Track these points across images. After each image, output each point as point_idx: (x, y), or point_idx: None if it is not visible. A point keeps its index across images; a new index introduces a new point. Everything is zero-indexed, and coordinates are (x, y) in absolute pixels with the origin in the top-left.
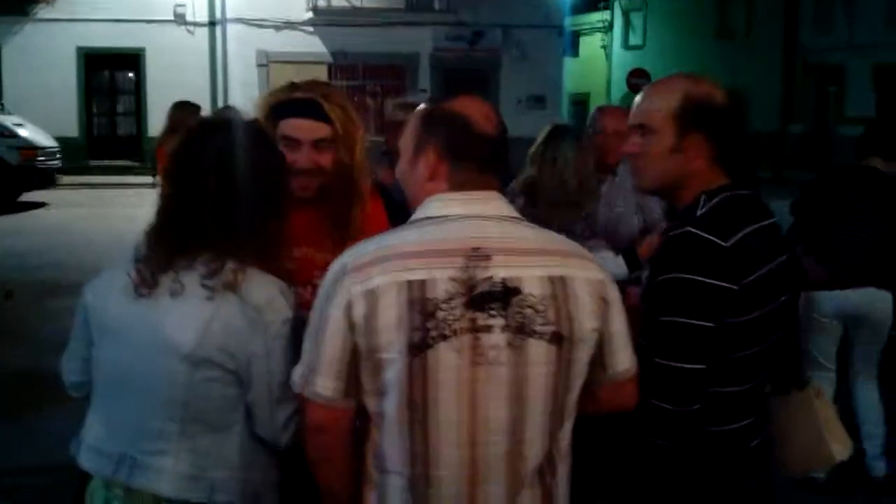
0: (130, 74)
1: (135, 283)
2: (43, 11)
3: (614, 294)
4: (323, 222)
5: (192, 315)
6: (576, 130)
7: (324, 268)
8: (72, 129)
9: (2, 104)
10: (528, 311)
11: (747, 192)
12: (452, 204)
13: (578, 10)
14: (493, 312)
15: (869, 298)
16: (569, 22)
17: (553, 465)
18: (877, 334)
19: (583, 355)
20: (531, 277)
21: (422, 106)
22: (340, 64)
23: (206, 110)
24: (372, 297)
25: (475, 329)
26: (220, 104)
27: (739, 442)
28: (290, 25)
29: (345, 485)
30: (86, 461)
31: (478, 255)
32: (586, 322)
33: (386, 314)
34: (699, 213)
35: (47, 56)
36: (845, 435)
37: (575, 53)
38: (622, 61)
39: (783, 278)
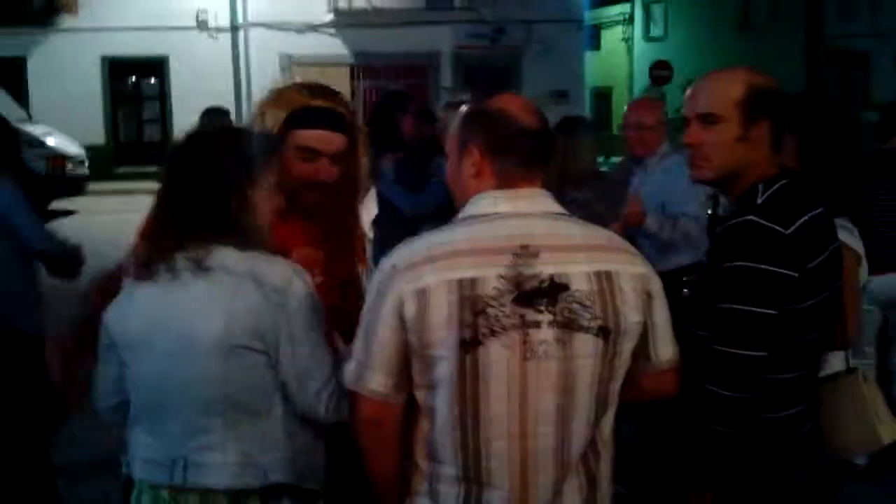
0: (155, 81)
1: (138, 271)
2: (67, 21)
3: (657, 286)
4: (319, 229)
5: (215, 304)
6: (580, 122)
7: (321, 267)
8: (98, 137)
9: (28, 114)
10: (576, 306)
11: (800, 179)
12: (499, 202)
13: (598, 3)
14: (541, 308)
15: None
16: (589, 16)
17: (597, 451)
18: None
19: (627, 347)
20: (578, 273)
21: (463, 106)
22: (362, 65)
23: (231, 114)
24: (423, 295)
25: (524, 325)
26: (244, 108)
27: (792, 428)
28: (311, 28)
29: (394, 474)
30: (140, 472)
31: (526, 252)
32: (631, 315)
33: (437, 312)
34: (759, 201)
35: (72, 65)
36: (892, 418)
37: (596, 47)
38: (644, 53)
39: (836, 265)
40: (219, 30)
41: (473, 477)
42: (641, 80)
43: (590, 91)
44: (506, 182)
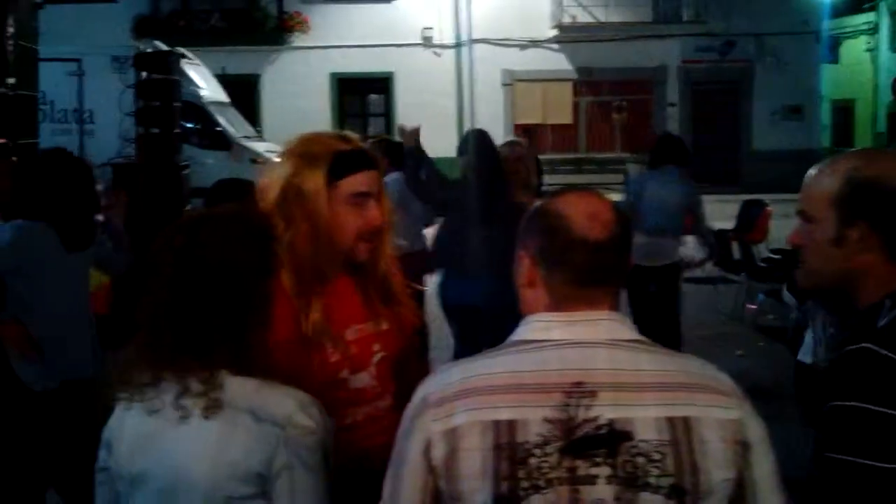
0: (380, 97)
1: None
2: (298, 39)
3: (757, 434)
4: (365, 290)
5: (205, 442)
6: None
7: (384, 339)
8: None
9: (258, 131)
10: (641, 459)
11: None
12: (553, 326)
13: (839, 13)
14: (597, 460)
15: None
16: (827, 26)
17: None
18: None
19: None
20: (645, 419)
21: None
22: (585, 80)
23: (452, 130)
24: (453, 437)
25: (575, 480)
26: (467, 124)
27: None
28: (534, 44)
29: None
30: None
31: (580, 391)
32: (716, 472)
33: (469, 459)
34: (882, 322)
35: (302, 82)
36: None
37: (834, 59)
38: (891, 65)
39: None
40: (443, 46)
41: None
42: (887, 92)
43: (829, 104)
44: (559, 301)
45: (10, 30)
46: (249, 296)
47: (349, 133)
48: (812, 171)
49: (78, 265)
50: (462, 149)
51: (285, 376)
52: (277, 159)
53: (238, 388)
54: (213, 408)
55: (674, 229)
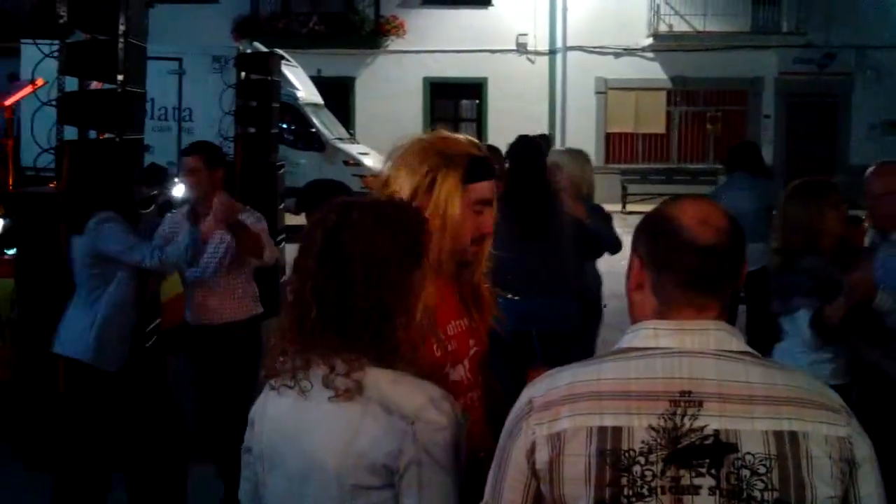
0: (472, 103)
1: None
2: (393, 43)
3: (864, 452)
4: (460, 289)
5: (336, 429)
6: (829, 186)
7: (477, 335)
8: None
9: (351, 133)
10: (746, 472)
11: None
12: (662, 334)
13: None
14: (701, 471)
15: None
16: None
17: None
18: None
19: None
20: (752, 432)
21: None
22: (680, 90)
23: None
24: (558, 441)
25: (678, 490)
26: (558, 132)
27: None
28: (629, 52)
29: None
30: None
31: (686, 400)
32: (822, 488)
33: (573, 463)
34: None
35: (396, 86)
36: None
37: None
38: None
39: None
40: (537, 53)
41: None
42: None
43: None
44: (666, 306)
45: (122, 27)
46: (394, 283)
47: (476, 140)
48: None
49: (76, 248)
50: (507, 155)
51: (425, 370)
52: (370, 162)
53: (375, 377)
54: (353, 391)
55: (750, 235)
